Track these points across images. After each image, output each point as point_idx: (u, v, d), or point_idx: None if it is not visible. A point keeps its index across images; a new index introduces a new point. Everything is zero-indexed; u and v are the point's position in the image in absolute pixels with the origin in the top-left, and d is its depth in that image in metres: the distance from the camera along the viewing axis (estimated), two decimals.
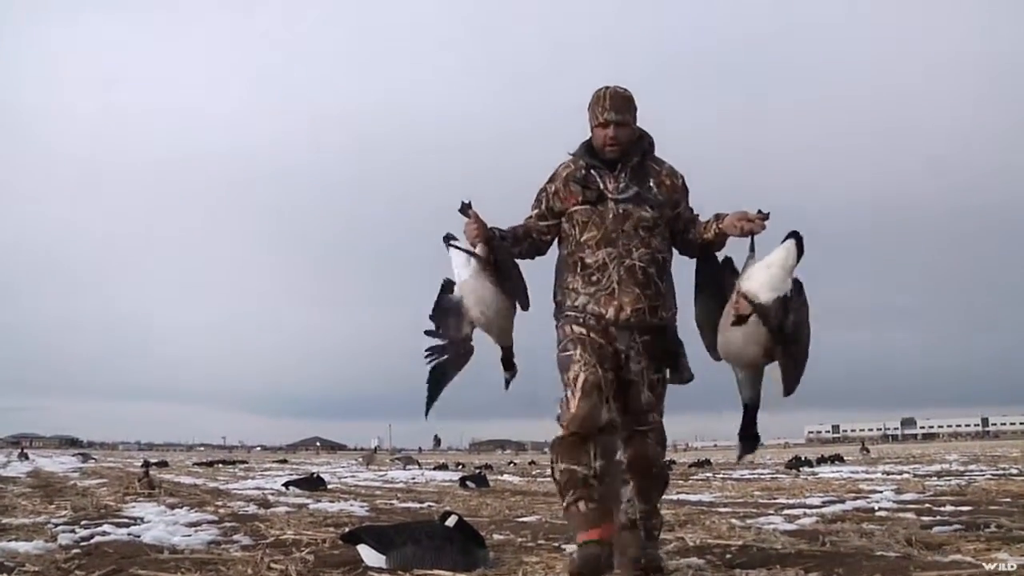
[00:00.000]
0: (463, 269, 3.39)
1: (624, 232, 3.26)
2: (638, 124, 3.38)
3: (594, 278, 3.26)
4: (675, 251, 3.46)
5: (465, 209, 3.36)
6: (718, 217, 3.33)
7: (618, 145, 3.29)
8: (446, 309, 3.41)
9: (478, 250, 3.36)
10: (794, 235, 3.18)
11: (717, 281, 3.34)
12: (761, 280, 3.13)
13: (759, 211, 3.20)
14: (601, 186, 3.30)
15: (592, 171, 3.33)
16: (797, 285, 3.17)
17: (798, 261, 3.17)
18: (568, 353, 3.22)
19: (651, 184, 3.33)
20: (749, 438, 3.36)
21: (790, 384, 3.12)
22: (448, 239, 3.47)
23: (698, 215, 3.43)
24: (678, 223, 3.40)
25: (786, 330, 3.10)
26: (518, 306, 3.39)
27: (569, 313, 3.30)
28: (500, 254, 3.37)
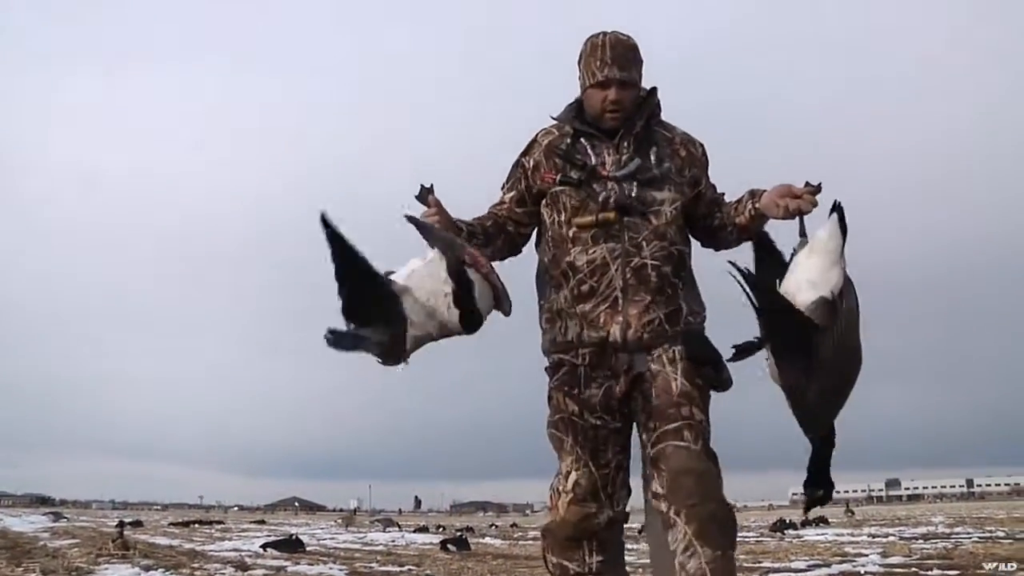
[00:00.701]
0: (415, 261, 2.33)
1: (630, 221, 2.43)
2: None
3: (585, 287, 2.43)
4: (695, 243, 2.64)
5: (424, 195, 2.42)
6: (753, 194, 2.47)
7: (621, 111, 2.48)
8: (377, 297, 2.20)
9: (431, 252, 2.32)
10: (835, 208, 2.31)
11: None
12: (799, 275, 2.30)
13: (807, 183, 2.35)
14: (593, 160, 2.47)
15: (582, 140, 2.51)
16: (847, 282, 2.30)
17: (844, 242, 2.30)
18: (559, 437, 2.50)
19: (661, 155, 2.50)
20: (815, 484, 2.40)
21: (812, 421, 2.30)
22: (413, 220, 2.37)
23: (723, 194, 2.61)
24: (698, 206, 2.56)
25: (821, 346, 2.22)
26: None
27: (562, 357, 2.48)
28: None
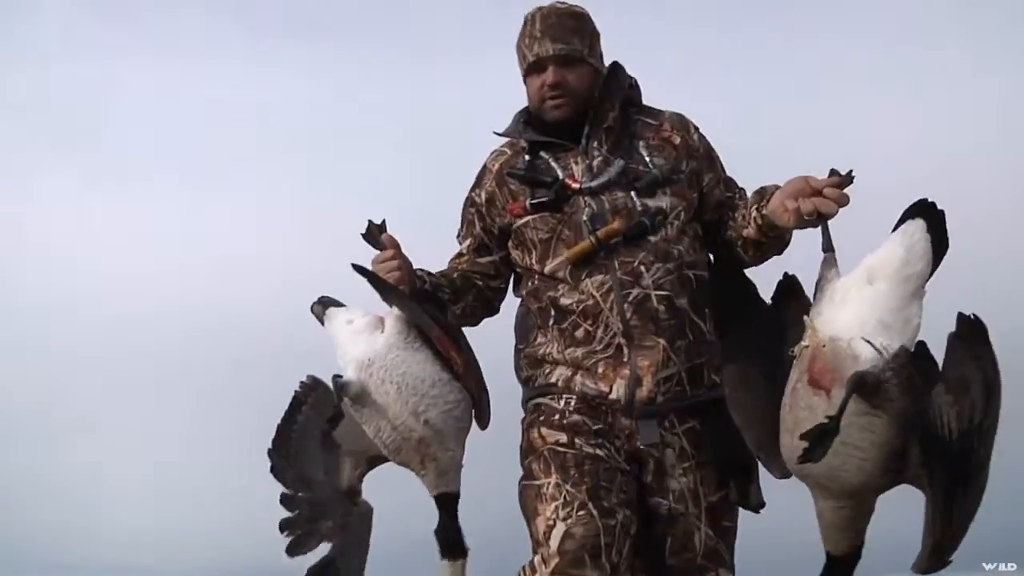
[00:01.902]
0: (364, 336, 1.76)
1: (618, 243, 1.78)
2: (603, 59, 1.90)
3: (579, 331, 1.79)
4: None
5: (375, 235, 1.82)
6: (762, 195, 1.74)
7: (565, 96, 1.83)
8: (316, 427, 1.84)
9: (391, 318, 1.76)
10: (920, 209, 1.50)
11: (756, 324, 1.71)
12: (859, 311, 1.44)
13: (832, 171, 1.56)
14: (559, 173, 1.84)
15: (542, 154, 1.87)
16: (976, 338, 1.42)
17: (936, 262, 1.48)
18: (535, 483, 1.77)
19: (642, 151, 1.85)
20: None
21: (943, 545, 1.39)
22: (326, 304, 1.88)
23: (738, 192, 1.91)
24: (704, 210, 1.88)
25: (938, 426, 1.37)
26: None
27: (540, 400, 1.85)
28: (440, 323, 1.79)
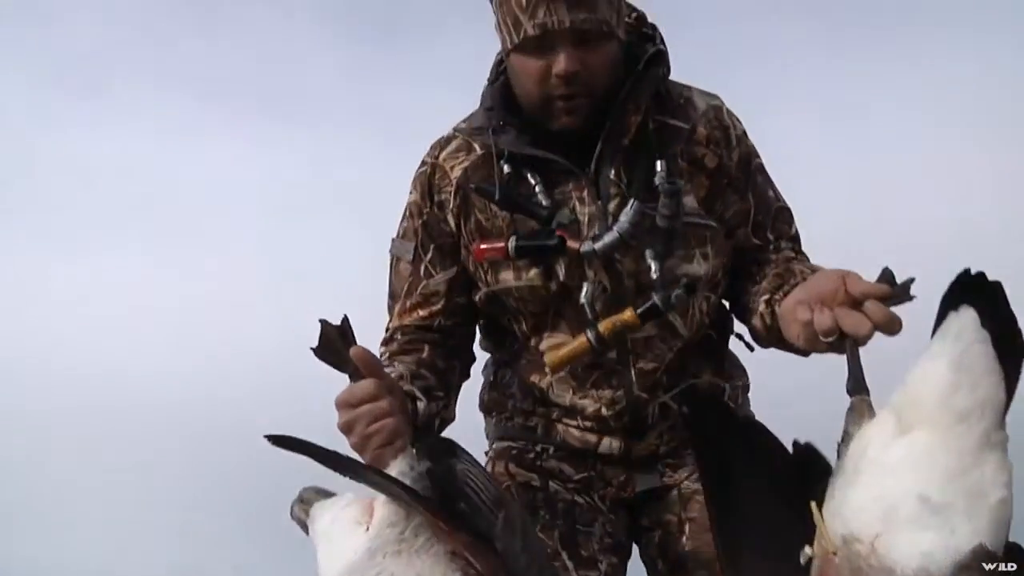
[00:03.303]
0: (343, 541, 1.00)
1: (636, 339, 1.31)
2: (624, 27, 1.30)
3: (571, 422, 1.40)
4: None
5: (334, 347, 1.15)
6: (784, 279, 1.22)
7: (584, 94, 1.24)
8: None
9: (380, 502, 1.01)
10: (964, 290, 0.82)
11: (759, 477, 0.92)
12: (879, 483, 0.80)
13: (884, 272, 0.96)
14: (556, 212, 1.28)
15: (528, 173, 1.29)
16: None
17: (1013, 377, 0.80)
18: None
19: (665, 178, 1.26)
20: None
21: None
22: (309, 501, 1.09)
23: (773, 243, 1.36)
24: (735, 251, 1.37)
25: None
26: None
27: (512, 444, 1.45)
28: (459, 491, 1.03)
